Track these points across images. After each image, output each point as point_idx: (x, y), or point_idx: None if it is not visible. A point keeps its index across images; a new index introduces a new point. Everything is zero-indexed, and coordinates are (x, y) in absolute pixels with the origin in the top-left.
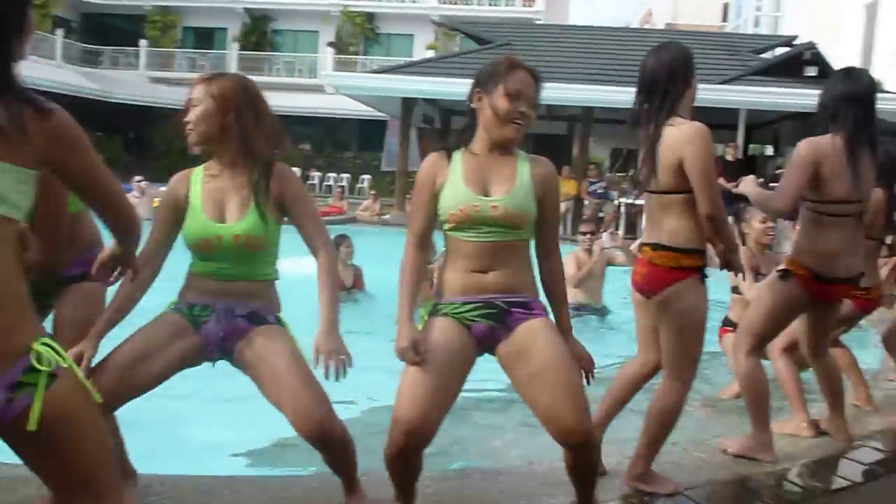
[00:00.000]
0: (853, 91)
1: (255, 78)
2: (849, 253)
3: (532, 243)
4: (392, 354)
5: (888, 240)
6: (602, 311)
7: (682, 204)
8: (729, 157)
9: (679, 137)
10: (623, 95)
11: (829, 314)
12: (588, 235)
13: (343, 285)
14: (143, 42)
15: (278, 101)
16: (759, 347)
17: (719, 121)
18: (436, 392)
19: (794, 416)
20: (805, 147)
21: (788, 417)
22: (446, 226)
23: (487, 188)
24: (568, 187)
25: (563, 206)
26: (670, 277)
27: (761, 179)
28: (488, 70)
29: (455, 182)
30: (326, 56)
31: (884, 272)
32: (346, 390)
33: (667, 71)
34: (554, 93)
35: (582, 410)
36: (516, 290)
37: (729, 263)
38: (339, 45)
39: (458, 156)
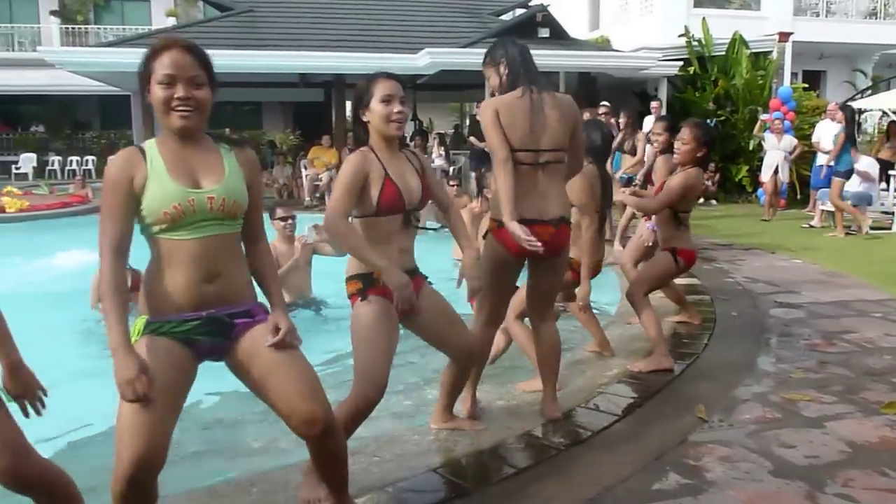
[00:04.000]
0: (517, 55)
1: None
2: (532, 196)
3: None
4: None
5: None
6: (314, 304)
7: None
8: (479, 117)
9: None
10: (372, 62)
11: (544, 272)
12: (288, 221)
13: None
14: None
15: None
16: (493, 317)
17: (469, 81)
18: (161, 418)
19: (537, 373)
20: (486, 101)
21: (533, 376)
22: (155, 228)
23: (197, 179)
24: (329, 156)
25: (325, 176)
26: None
27: None
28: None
29: (160, 177)
30: (51, 27)
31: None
32: None
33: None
34: (303, 61)
35: (317, 398)
36: (238, 299)
37: None
38: (64, 14)
39: (152, 149)
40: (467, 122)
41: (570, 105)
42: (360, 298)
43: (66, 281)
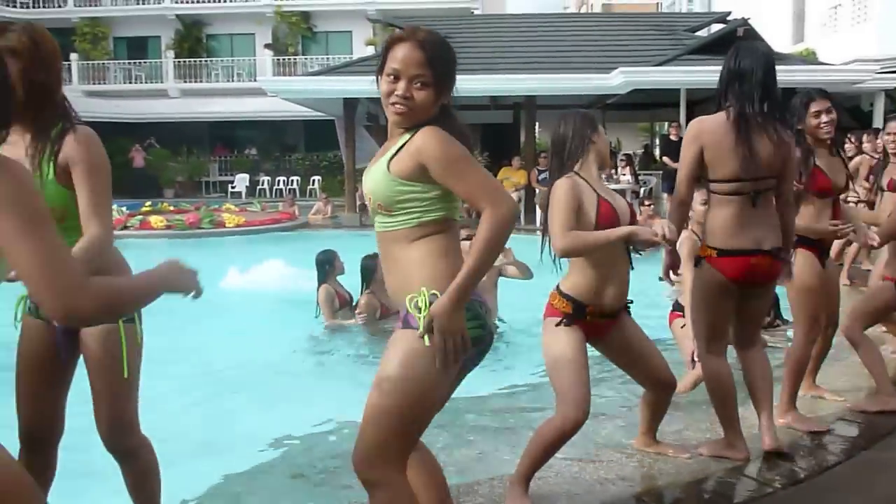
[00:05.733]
0: (741, 68)
1: (194, 85)
2: (750, 226)
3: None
4: None
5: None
6: (497, 327)
7: None
8: (672, 137)
9: None
10: (564, 83)
11: (754, 298)
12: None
13: (344, 300)
14: (73, 56)
15: (220, 108)
16: (715, 343)
17: (661, 100)
18: None
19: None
20: (689, 127)
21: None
22: None
23: None
24: (518, 176)
25: (514, 196)
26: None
27: None
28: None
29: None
30: (265, 58)
31: None
32: None
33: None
34: (495, 83)
35: (360, 448)
36: (397, 300)
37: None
38: (276, 47)
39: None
40: (657, 141)
41: (782, 128)
42: (561, 322)
43: (280, 288)
